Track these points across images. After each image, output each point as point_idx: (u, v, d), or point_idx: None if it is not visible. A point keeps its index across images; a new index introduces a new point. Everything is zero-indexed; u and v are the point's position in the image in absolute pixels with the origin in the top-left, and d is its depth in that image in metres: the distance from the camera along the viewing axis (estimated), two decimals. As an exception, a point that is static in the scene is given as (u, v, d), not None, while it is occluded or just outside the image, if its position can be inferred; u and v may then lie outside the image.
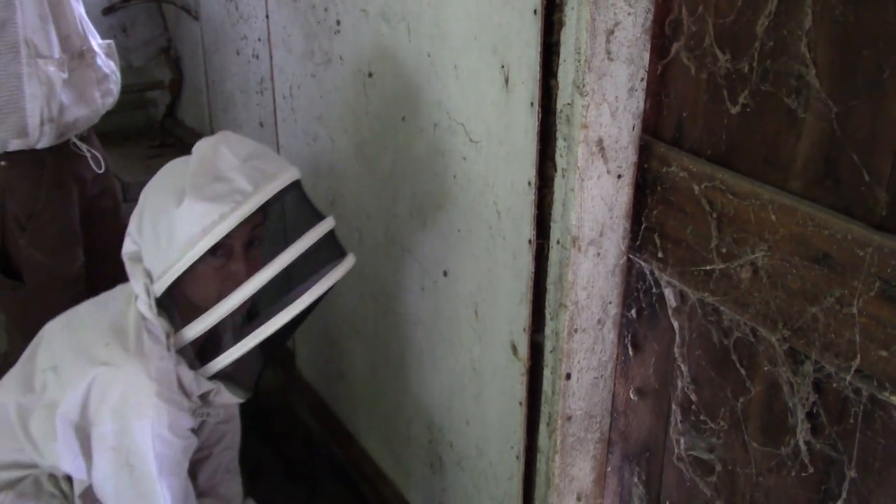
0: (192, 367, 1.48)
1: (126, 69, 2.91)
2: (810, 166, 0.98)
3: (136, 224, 1.46)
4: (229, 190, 1.37)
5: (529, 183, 1.28)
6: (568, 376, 1.32)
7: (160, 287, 1.42)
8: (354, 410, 2.17)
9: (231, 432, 1.88)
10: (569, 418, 1.35)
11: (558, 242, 1.25)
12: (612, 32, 1.11)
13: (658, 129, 1.18)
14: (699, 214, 1.12)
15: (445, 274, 1.58)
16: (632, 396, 1.34)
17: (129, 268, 1.47)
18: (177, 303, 1.46)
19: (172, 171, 1.45)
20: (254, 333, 1.41)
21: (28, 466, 1.59)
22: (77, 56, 1.98)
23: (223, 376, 1.52)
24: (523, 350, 1.39)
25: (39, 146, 1.96)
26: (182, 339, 1.46)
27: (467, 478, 1.67)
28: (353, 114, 1.78)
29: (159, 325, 1.45)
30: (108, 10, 3.10)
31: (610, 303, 1.30)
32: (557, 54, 1.17)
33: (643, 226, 1.23)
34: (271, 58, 2.15)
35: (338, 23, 1.75)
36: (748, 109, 1.04)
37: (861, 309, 0.93)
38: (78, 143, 2.05)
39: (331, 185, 1.96)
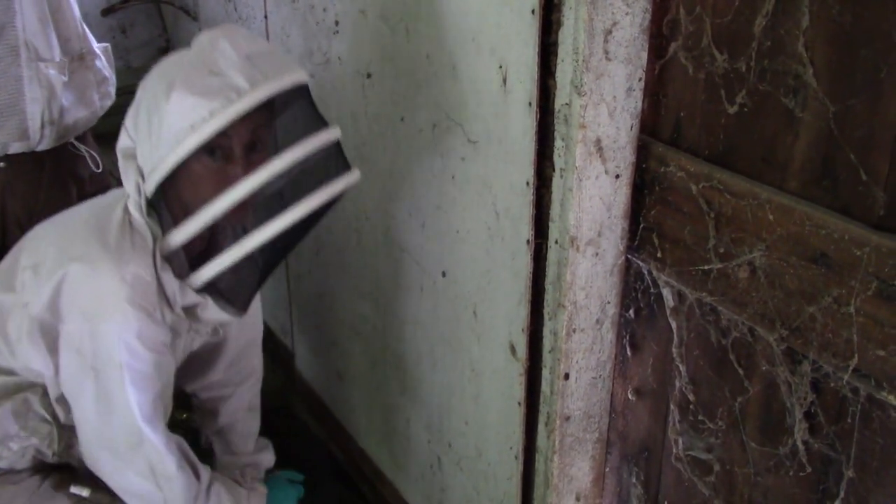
0: (181, 275, 1.42)
1: (125, 70, 2.91)
2: (808, 166, 0.98)
3: (132, 117, 1.39)
4: (222, 85, 1.28)
5: (527, 183, 1.28)
6: (566, 376, 1.32)
7: (151, 185, 1.35)
8: (353, 411, 2.17)
9: (255, 375, 1.88)
10: (567, 418, 1.35)
11: (556, 242, 1.25)
12: (609, 32, 1.11)
13: (656, 129, 1.18)
14: (697, 214, 1.12)
15: (444, 274, 1.58)
16: (630, 396, 1.34)
17: (122, 164, 1.41)
18: (170, 206, 1.39)
19: (171, 62, 1.37)
20: (242, 241, 1.33)
21: (5, 372, 1.55)
22: (77, 58, 1.98)
23: (214, 292, 1.45)
24: (522, 350, 1.39)
25: (40, 148, 1.96)
26: (170, 243, 1.38)
27: (466, 478, 1.67)
28: (352, 114, 1.78)
29: (147, 226, 1.39)
30: (107, 11, 3.10)
31: (608, 303, 1.30)
32: (555, 54, 1.17)
33: (641, 226, 1.23)
34: (270, 58, 2.15)
35: (336, 23, 1.75)
36: (746, 109, 1.04)
37: (858, 308, 0.93)
38: (76, 143, 2.05)
39: (330, 185, 1.96)
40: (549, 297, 1.30)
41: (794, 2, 0.95)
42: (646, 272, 1.25)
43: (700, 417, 1.21)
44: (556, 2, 1.15)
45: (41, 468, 1.62)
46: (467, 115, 1.39)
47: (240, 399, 1.87)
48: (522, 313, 1.36)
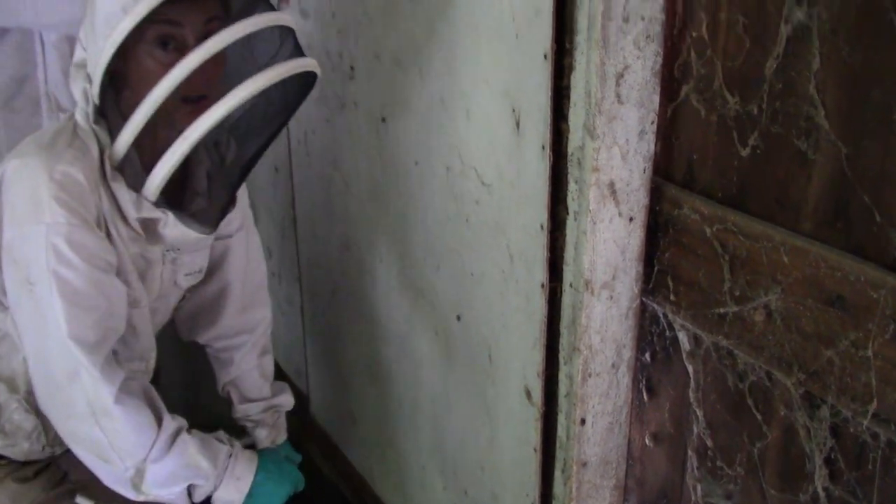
0: (135, 186, 1.35)
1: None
2: (821, 207, 0.97)
3: (84, 28, 1.34)
4: None
5: (541, 226, 1.28)
6: (583, 421, 1.30)
7: (95, 85, 1.30)
8: (368, 455, 2.15)
9: (265, 322, 1.84)
10: (584, 464, 1.33)
11: (571, 286, 1.24)
12: (621, 76, 1.12)
13: (669, 172, 1.18)
14: (711, 257, 1.11)
15: (458, 318, 1.57)
16: (647, 442, 1.33)
17: (72, 76, 1.36)
18: (122, 108, 1.31)
19: None
20: (186, 133, 1.25)
21: None
22: None
23: (173, 204, 1.39)
24: (537, 395, 1.38)
25: None
26: (118, 148, 1.32)
27: (482, 525, 1.64)
28: (367, 158, 1.79)
29: (93, 133, 1.34)
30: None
31: (624, 346, 1.29)
32: (568, 98, 1.18)
33: (656, 268, 1.22)
34: (287, 104, 2.17)
35: (351, 68, 1.77)
36: (758, 151, 1.03)
37: (876, 352, 0.92)
38: None
39: (345, 228, 1.97)
40: (564, 340, 1.29)
41: (804, 44, 0.95)
42: (661, 315, 1.24)
43: (718, 463, 1.19)
44: (568, 46, 1.16)
45: (47, 465, 1.58)
46: (481, 158, 1.40)
47: (253, 346, 1.82)
48: (537, 357, 1.35)
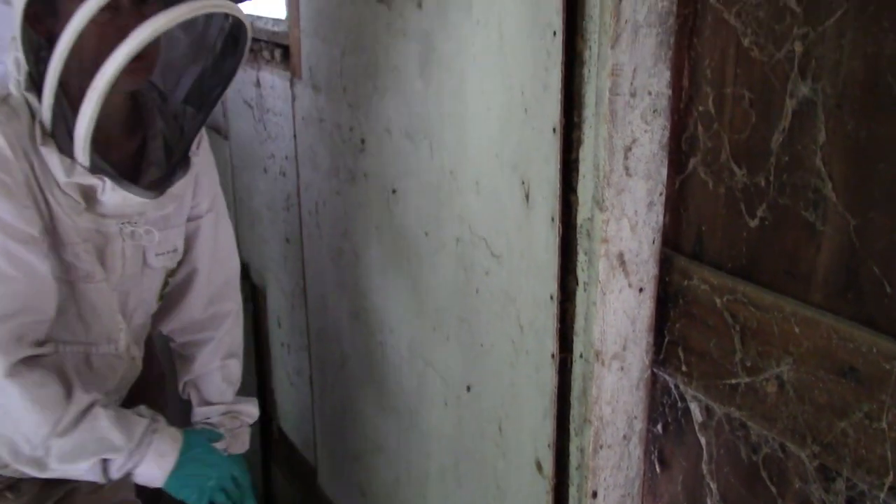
0: (68, 151, 1.32)
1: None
2: (831, 278, 0.98)
3: None
4: None
5: (551, 297, 1.28)
6: (594, 494, 1.29)
7: (20, 47, 1.30)
8: (377, 529, 2.12)
9: (231, 317, 1.77)
10: (596, 538, 1.31)
11: (581, 356, 1.24)
12: (629, 149, 1.14)
13: (678, 243, 1.19)
14: (722, 327, 1.11)
15: (468, 389, 1.56)
16: (660, 515, 1.31)
17: (8, 47, 1.35)
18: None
19: None
20: (94, 83, 1.22)
21: None
22: None
23: (108, 168, 1.35)
24: (548, 467, 1.36)
25: None
26: (44, 113, 1.30)
27: None
28: (377, 229, 1.80)
29: (24, 100, 1.32)
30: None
31: (635, 418, 1.28)
32: (577, 170, 1.19)
33: (666, 339, 1.22)
34: (298, 175, 2.20)
35: (362, 141, 1.80)
36: (767, 222, 1.04)
37: (891, 424, 0.91)
38: None
39: (354, 299, 1.98)
40: (574, 412, 1.28)
41: (810, 118, 0.97)
42: (672, 386, 1.23)
43: (733, 537, 1.17)
44: (577, 120, 1.18)
45: (43, 488, 1.54)
46: (491, 229, 1.41)
47: (218, 345, 1.76)
48: (548, 429, 1.35)
